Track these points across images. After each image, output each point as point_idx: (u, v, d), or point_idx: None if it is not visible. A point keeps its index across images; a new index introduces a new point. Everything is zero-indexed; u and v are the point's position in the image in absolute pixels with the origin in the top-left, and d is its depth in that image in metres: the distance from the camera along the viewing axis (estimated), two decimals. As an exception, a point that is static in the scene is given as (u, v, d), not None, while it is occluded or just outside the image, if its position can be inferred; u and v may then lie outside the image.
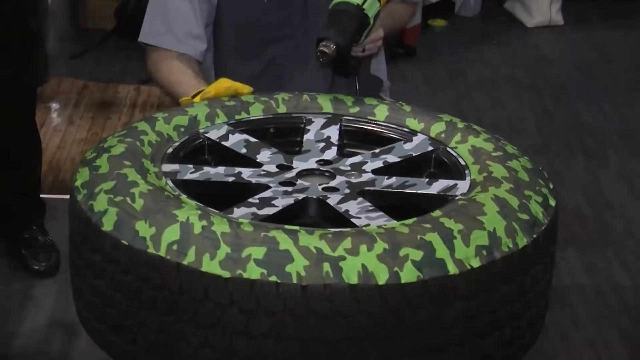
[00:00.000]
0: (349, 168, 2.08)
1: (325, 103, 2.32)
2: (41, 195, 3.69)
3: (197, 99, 2.34)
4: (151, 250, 1.69)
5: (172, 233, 1.69)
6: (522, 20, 6.00)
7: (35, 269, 3.49)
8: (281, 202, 1.90)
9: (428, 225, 1.73)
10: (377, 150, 2.16)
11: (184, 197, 1.83)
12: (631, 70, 5.41)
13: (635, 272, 3.65)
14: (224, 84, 2.34)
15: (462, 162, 2.08)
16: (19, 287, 3.43)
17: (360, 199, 1.94)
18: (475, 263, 1.70)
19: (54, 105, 4.71)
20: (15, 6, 3.27)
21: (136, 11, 5.46)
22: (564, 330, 3.31)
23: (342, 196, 1.94)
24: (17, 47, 3.24)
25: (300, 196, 1.94)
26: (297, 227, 1.70)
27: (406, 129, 2.24)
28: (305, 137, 2.22)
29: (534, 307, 1.88)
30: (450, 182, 2.01)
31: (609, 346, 3.27)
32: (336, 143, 2.21)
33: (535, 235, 1.82)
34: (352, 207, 1.90)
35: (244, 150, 2.13)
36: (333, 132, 2.24)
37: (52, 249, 3.53)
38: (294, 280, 1.61)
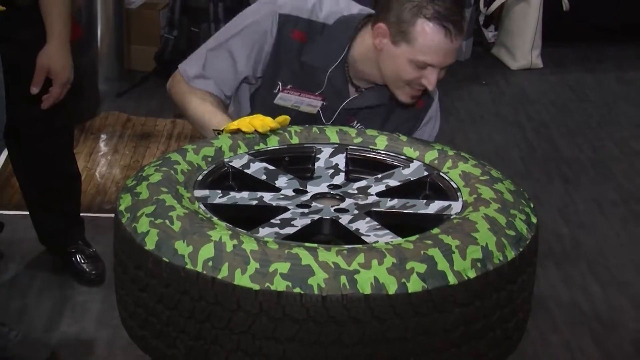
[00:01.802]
0: (356, 191, 2.08)
1: (332, 134, 2.31)
2: (88, 214, 3.70)
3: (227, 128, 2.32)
4: (189, 266, 1.69)
5: (207, 251, 1.70)
6: (507, 64, 6.00)
7: (83, 278, 3.48)
8: (299, 222, 1.90)
9: (429, 242, 1.74)
10: (379, 176, 2.15)
11: (215, 219, 1.82)
12: (602, 108, 5.42)
13: (605, 283, 3.65)
14: (246, 120, 2.30)
15: (454, 185, 2.07)
16: (70, 294, 3.43)
17: (368, 218, 1.93)
18: (472, 274, 1.71)
19: (102, 136, 4.73)
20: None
21: (173, 55, 5.49)
22: (543, 333, 3.31)
23: (352, 216, 1.94)
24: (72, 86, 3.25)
25: (316, 217, 1.93)
26: (315, 245, 1.70)
27: (404, 157, 2.23)
28: (317, 164, 2.22)
29: (520, 311, 1.88)
30: (445, 203, 2.00)
31: (583, 348, 3.27)
32: (343, 169, 2.20)
33: (521, 249, 1.82)
34: (362, 226, 1.90)
35: (263, 177, 2.12)
36: (340, 160, 2.23)
37: (97, 260, 3.53)
38: (315, 292, 1.62)
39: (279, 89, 2.59)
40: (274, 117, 2.41)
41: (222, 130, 2.29)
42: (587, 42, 6.29)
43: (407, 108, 2.62)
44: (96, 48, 5.32)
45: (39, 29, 3.08)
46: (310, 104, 2.60)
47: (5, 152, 4.27)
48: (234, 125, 2.26)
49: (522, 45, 5.93)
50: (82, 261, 3.51)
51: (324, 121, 2.62)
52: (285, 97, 2.60)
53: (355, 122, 2.63)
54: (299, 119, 2.52)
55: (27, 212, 3.55)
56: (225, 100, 2.63)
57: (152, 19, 5.65)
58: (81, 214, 3.61)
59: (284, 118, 2.29)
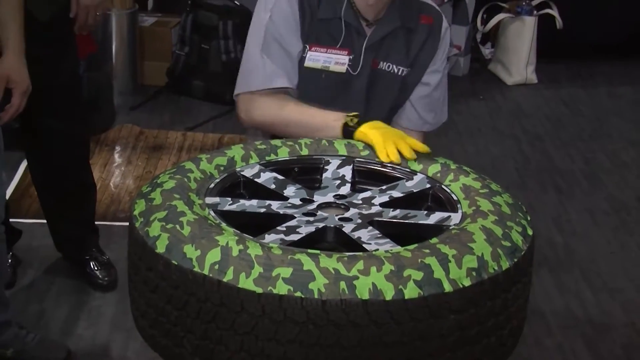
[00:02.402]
0: (360, 202, 2.07)
1: (341, 147, 2.30)
2: (102, 222, 3.70)
3: (364, 128, 2.34)
4: (197, 269, 1.69)
5: (214, 255, 1.70)
6: (503, 79, 6.00)
7: (97, 284, 3.48)
8: (304, 230, 1.89)
9: (427, 251, 1.73)
10: (383, 187, 2.14)
11: (223, 225, 1.83)
12: (593, 121, 5.42)
13: (597, 290, 3.64)
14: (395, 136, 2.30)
15: (455, 198, 2.07)
16: (85, 299, 3.43)
17: (370, 227, 1.93)
18: (467, 282, 1.71)
19: (116, 148, 4.73)
20: (77, 73, 3.29)
21: (184, 71, 5.50)
22: (538, 337, 3.30)
23: (355, 225, 1.93)
24: (82, 104, 3.26)
25: (320, 225, 1.93)
26: (317, 251, 1.70)
27: (407, 170, 2.21)
28: (324, 175, 2.20)
29: (515, 319, 1.88)
30: (445, 214, 2.00)
31: (576, 351, 3.26)
32: (350, 181, 2.19)
33: (516, 259, 1.82)
34: (364, 234, 1.90)
35: (273, 186, 2.11)
36: (347, 172, 2.21)
37: (110, 267, 3.52)
38: (316, 296, 1.62)
39: (307, 49, 2.59)
40: (306, 83, 2.59)
41: (356, 122, 2.37)
42: (579, 59, 6.29)
43: (414, 32, 2.66)
44: (111, 64, 5.32)
45: (58, 46, 3.10)
46: (339, 61, 2.61)
47: (23, 164, 4.29)
48: (388, 150, 2.26)
49: (518, 61, 5.93)
50: (96, 268, 3.51)
51: (351, 73, 2.62)
52: (314, 57, 2.60)
53: (380, 62, 2.65)
54: (330, 81, 2.61)
55: (44, 221, 3.54)
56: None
57: (164, 37, 5.65)
58: (96, 222, 3.61)
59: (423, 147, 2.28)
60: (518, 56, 5.93)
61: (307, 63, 2.60)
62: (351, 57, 2.61)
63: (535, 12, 5.92)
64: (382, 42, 2.62)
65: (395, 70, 2.66)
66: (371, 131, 2.30)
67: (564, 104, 5.68)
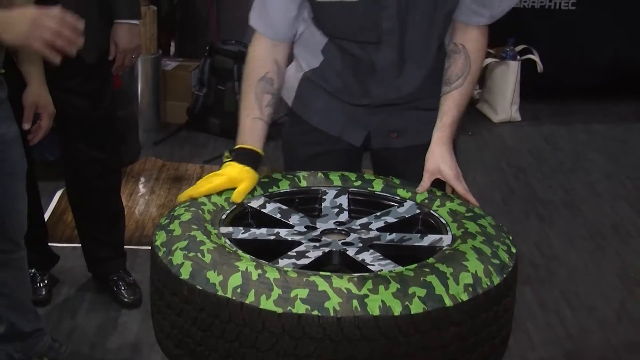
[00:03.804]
0: (359, 227, 2.06)
1: (335, 179, 2.29)
2: (128, 247, 3.69)
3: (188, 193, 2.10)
4: (220, 293, 1.69)
5: (235, 279, 1.69)
6: (490, 117, 6.01)
7: (124, 302, 3.48)
8: (313, 254, 1.89)
9: (427, 270, 1.74)
10: (378, 214, 2.14)
11: (240, 252, 1.82)
12: (572, 155, 5.43)
13: (576, 307, 3.63)
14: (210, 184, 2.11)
15: (444, 221, 2.07)
16: (112, 315, 3.42)
17: (371, 250, 1.92)
18: (464, 297, 1.71)
19: (141, 179, 4.73)
20: (115, 107, 3.32)
21: (201, 110, 5.52)
22: (522, 351, 3.29)
23: (357, 249, 1.93)
24: (117, 136, 3.28)
25: (326, 249, 1.92)
26: (329, 273, 1.70)
27: (398, 197, 2.22)
28: (323, 204, 2.20)
29: (504, 329, 1.88)
30: (437, 237, 2.00)
31: (557, 364, 3.28)
32: (347, 209, 2.18)
33: (504, 275, 1.82)
34: (367, 257, 1.89)
35: (278, 215, 2.10)
36: (344, 201, 2.21)
37: (136, 287, 3.52)
38: (331, 314, 1.61)
39: None
40: (328, 22, 2.24)
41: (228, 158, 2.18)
42: (559, 99, 6.30)
43: None
44: (137, 103, 5.34)
45: (99, 84, 3.13)
46: None
47: (58, 193, 4.30)
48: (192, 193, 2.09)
49: (503, 101, 5.94)
50: (123, 287, 3.51)
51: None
52: None
53: None
54: (348, 8, 2.17)
55: (77, 245, 3.56)
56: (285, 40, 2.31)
57: (184, 79, 5.68)
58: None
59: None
60: (503, 96, 5.95)
61: None
62: None
63: (518, 57, 5.94)
64: None
65: None
66: (222, 170, 2.13)
67: (545, 139, 5.69)
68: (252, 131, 2.21)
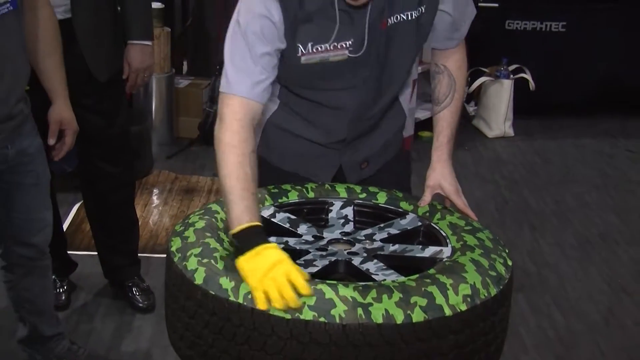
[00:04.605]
0: (363, 238, 2.06)
1: (342, 191, 2.29)
2: (142, 254, 3.69)
3: (242, 261, 1.75)
4: (232, 298, 1.69)
5: (246, 286, 1.69)
6: (485, 133, 6.01)
7: (138, 307, 3.47)
8: (320, 263, 1.89)
9: (428, 280, 1.73)
10: (381, 225, 2.14)
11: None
12: (562, 168, 5.42)
13: (566, 313, 3.62)
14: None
15: (444, 234, 2.06)
16: (128, 319, 3.42)
17: (375, 260, 1.92)
18: (463, 307, 1.70)
19: (155, 191, 4.73)
20: (129, 123, 3.32)
21: (212, 125, 5.49)
22: (515, 354, 3.28)
23: (362, 258, 1.93)
24: (130, 151, 3.28)
25: (333, 258, 1.92)
26: (335, 282, 1.69)
27: (400, 210, 2.21)
28: (330, 215, 2.20)
29: (499, 337, 1.87)
30: (437, 248, 1.99)
31: (549, 367, 3.27)
32: (352, 220, 2.19)
33: (501, 287, 1.82)
34: (371, 266, 1.89)
35: (287, 225, 2.11)
36: (349, 212, 2.21)
37: (150, 292, 3.51)
38: (337, 321, 1.61)
39: (301, 52, 2.05)
40: (306, 77, 2.10)
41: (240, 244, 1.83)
42: (550, 116, 6.30)
43: None
44: (151, 119, 5.35)
45: (113, 102, 3.13)
46: (337, 54, 2.07)
47: (77, 204, 4.30)
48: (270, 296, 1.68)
49: (497, 117, 5.94)
50: (137, 293, 3.50)
51: (355, 55, 2.09)
52: (310, 58, 2.07)
53: (388, 20, 2.09)
54: (330, 67, 2.09)
55: (94, 252, 3.55)
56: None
57: (196, 96, 5.68)
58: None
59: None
60: (497, 113, 5.95)
61: (305, 61, 2.07)
62: (351, 41, 2.06)
63: (511, 75, 5.94)
64: (383, 5, 2.06)
65: (406, 17, 2.11)
66: (247, 267, 1.73)
67: (537, 153, 5.68)
68: (254, 207, 1.88)
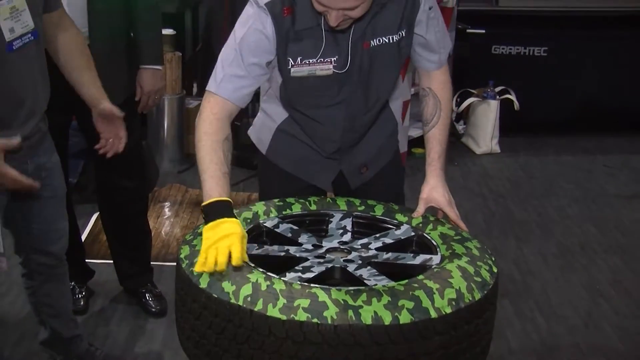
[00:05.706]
0: (359, 247, 2.07)
1: (342, 204, 2.30)
2: (155, 263, 3.67)
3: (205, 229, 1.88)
4: (233, 301, 1.70)
5: (246, 289, 1.70)
6: (473, 149, 5.99)
7: (151, 311, 3.45)
8: (317, 269, 1.90)
9: (416, 285, 1.74)
10: (377, 235, 2.15)
11: (252, 265, 1.83)
12: (544, 183, 5.40)
13: (549, 317, 3.60)
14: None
15: (434, 243, 2.07)
16: (141, 323, 3.40)
17: (369, 267, 1.93)
18: (448, 310, 1.70)
19: (166, 203, 4.72)
20: (138, 139, 3.32)
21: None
22: (501, 356, 3.27)
23: (357, 265, 1.93)
24: (143, 166, 3.28)
25: (329, 265, 1.93)
26: (328, 286, 1.70)
27: (396, 221, 2.22)
28: (330, 226, 2.21)
29: (484, 339, 1.87)
30: (428, 256, 2.00)
31: (532, 367, 3.25)
32: (350, 230, 2.19)
33: (485, 292, 1.82)
34: (364, 272, 1.90)
35: (289, 235, 2.12)
36: (348, 223, 2.22)
37: (162, 298, 3.50)
38: (329, 322, 1.62)
39: (291, 64, 2.14)
40: (299, 95, 2.21)
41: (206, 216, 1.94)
42: (533, 134, 6.29)
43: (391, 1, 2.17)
44: (163, 137, 5.35)
45: (127, 122, 3.12)
46: (323, 68, 2.16)
47: (94, 215, 4.30)
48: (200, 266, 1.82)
49: (484, 135, 5.94)
50: (150, 299, 3.49)
51: (340, 72, 2.18)
52: (299, 70, 2.16)
53: (371, 41, 2.17)
54: (318, 82, 2.19)
55: (110, 261, 3.54)
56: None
57: (206, 116, 5.68)
58: (150, 263, 3.60)
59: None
60: (485, 131, 5.94)
61: (294, 74, 2.16)
62: (336, 57, 2.15)
63: (497, 96, 5.94)
64: (365, 28, 2.15)
65: (387, 40, 2.19)
66: (205, 235, 1.87)
67: (521, 169, 5.67)
68: (225, 185, 1.99)
